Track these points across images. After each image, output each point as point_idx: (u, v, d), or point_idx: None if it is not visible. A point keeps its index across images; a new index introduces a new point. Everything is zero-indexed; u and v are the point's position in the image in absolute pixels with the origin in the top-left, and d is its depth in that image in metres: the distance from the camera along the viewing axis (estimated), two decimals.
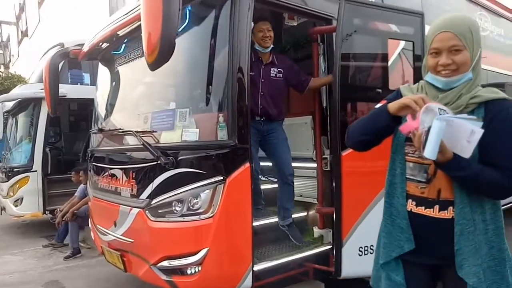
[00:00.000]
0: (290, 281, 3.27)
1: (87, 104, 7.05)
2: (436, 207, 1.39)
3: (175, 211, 2.62)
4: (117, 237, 3.09)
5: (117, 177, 3.15)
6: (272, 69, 3.29)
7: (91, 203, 3.81)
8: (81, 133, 8.02)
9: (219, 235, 2.52)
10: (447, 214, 1.38)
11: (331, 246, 3.13)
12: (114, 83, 3.67)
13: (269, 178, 3.89)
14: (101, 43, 3.50)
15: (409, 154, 1.47)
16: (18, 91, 7.02)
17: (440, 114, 1.23)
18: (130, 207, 2.92)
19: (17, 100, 6.80)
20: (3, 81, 12.14)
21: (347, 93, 3.04)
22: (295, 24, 3.87)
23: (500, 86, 5.64)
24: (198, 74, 2.75)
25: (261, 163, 3.45)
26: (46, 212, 6.55)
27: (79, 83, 7.29)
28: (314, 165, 3.36)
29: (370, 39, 3.29)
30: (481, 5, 5.36)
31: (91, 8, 8.86)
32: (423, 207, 1.42)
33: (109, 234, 3.24)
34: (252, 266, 2.64)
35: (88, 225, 4.48)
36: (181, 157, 2.60)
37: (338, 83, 2.93)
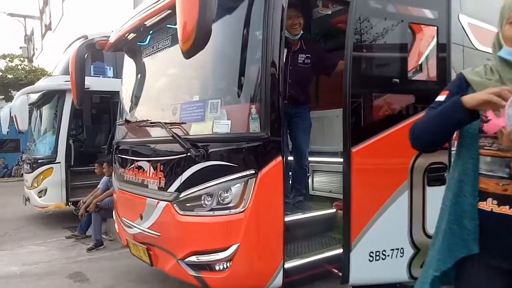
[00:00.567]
0: (319, 277, 3.16)
1: (110, 97, 7.14)
2: None
3: (204, 205, 2.55)
4: (143, 230, 3.04)
5: (144, 170, 3.10)
6: (300, 55, 3.29)
7: (116, 196, 3.78)
8: (103, 126, 8.10)
9: (250, 231, 2.43)
10: None
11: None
12: (141, 74, 3.62)
13: None
14: (128, 34, 3.44)
15: (486, 147, 1.30)
16: (43, 83, 7.09)
17: None
18: (157, 200, 2.86)
19: (41, 92, 6.87)
20: (27, 74, 12.33)
21: (360, 84, 2.73)
22: (329, 13, 3.73)
23: None
24: (230, 64, 2.66)
25: None
26: (69, 203, 6.62)
27: (101, 76, 7.31)
28: None
29: (387, 24, 2.89)
30: None
31: (115, 1, 8.88)
32: (507, 206, 1.26)
33: (135, 227, 3.20)
34: (283, 263, 2.55)
35: (111, 217, 4.48)
36: (211, 150, 2.52)
37: (349, 73, 2.63)
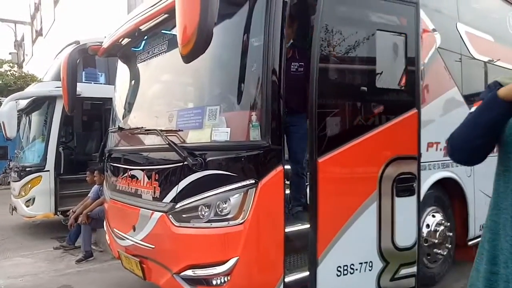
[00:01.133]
0: None
1: (101, 104, 7.01)
2: None
3: (201, 216, 2.45)
4: (136, 243, 2.92)
5: (138, 179, 2.98)
6: (292, 63, 3.23)
7: (108, 206, 3.64)
8: (94, 133, 7.94)
9: (250, 244, 2.33)
10: None
11: None
12: (135, 80, 3.52)
13: None
14: (122, 39, 3.35)
15: None
16: (33, 89, 6.92)
17: None
18: (151, 211, 2.75)
19: (31, 99, 6.70)
20: (16, 80, 12.15)
21: (326, 93, 2.59)
22: None
23: None
24: (229, 70, 2.58)
25: None
26: (58, 213, 6.42)
27: (93, 82, 7.18)
28: None
29: (355, 31, 2.77)
30: None
31: (108, 6, 8.79)
32: None
33: (127, 238, 3.07)
34: (284, 277, 2.45)
35: (102, 227, 4.33)
36: (210, 158, 2.43)
37: (315, 82, 2.50)
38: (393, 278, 2.80)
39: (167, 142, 2.56)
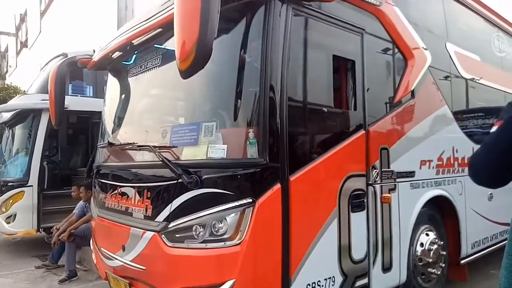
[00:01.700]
0: None
1: (87, 117, 6.86)
2: None
3: (196, 236, 2.36)
4: (126, 263, 2.80)
5: (128, 196, 2.88)
6: None
7: (95, 223, 3.51)
8: (79, 147, 7.76)
9: (247, 265, 2.25)
10: None
11: None
12: (126, 95, 3.44)
13: None
14: (114, 52, 3.28)
15: None
16: (17, 102, 6.75)
17: None
18: (143, 230, 2.65)
19: (15, 111, 6.52)
20: None
21: (293, 113, 2.50)
22: None
23: None
24: (226, 85, 2.53)
25: None
26: (40, 229, 6.18)
27: (79, 95, 7.06)
28: None
29: (314, 53, 2.77)
30: (498, 26, 5.28)
31: (97, 19, 8.72)
32: None
33: (116, 259, 2.95)
34: None
35: (87, 245, 4.17)
36: (205, 176, 2.35)
37: (284, 100, 2.39)
38: None
39: (160, 159, 2.48)
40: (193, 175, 2.34)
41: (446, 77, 4.09)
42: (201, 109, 2.73)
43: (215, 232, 2.31)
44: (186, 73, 1.95)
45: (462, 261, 3.93)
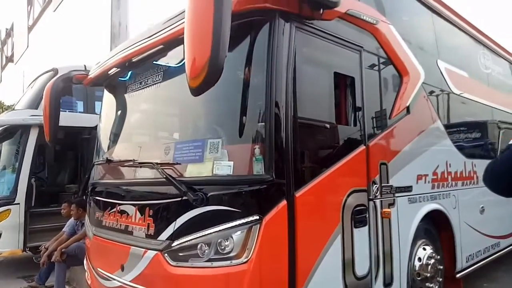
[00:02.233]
0: None
1: (77, 133, 6.74)
2: None
3: (201, 255, 2.31)
4: (125, 284, 2.73)
5: (128, 214, 2.82)
6: None
7: (91, 243, 3.41)
8: (68, 163, 7.60)
9: (254, 284, 2.21)
10: None
11: None
12: (125, 111, 3.40)
13: None
14: (114, 69, 3.26)
15: None
16: (5, 118, 6.59)
17: None
18: (144, 249, 2.59)
19: (3, 127, 6.36)
20: None
21: (299, 128, 2.49)
22: None
23: None
24: (232, 101, 2.52)
25: None
26: (26, 249, 5.97)
27: (68, 110, 6.94)
28: None
29: (316, 70, 2.83)
30: (484, 44, 5.48)
31: (87, 35, 8.67)
32: None
33: (114, 279, 2.87)
34: None
35: (79, 265, 4.05)
36: (211, 193, 2.32)
37: (290, 114, 2.41)
38: None
39: (164, 176, 2.45)
40: (199, 193, 2.31)
41: (439, 93, 4.20)
42: (206, 125, 2.71)
43: (221, 250, 2.27)
44: (197, 91, 1.95)
45: (458, 275, 3.96)
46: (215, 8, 1.88)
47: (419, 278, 3.52)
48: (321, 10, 2.55)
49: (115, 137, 3.43)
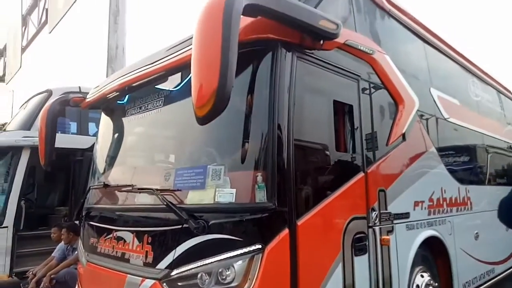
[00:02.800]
0: None
1: (68, 154, 6.64)
2: None
3: (201, 285, 2.26)
4: None
5: (125, 241, 2.76)
6: None
7: (84, 270, 3.32)
8: (57, 185, 7.45)
9: None
10: None
11: None
12: (124, 135, 3.38)
13: None
14: (114, 93, 3.26)
15: None
16: None
17: None
18: (142, 278, 2.52)
19: None
20: None
21: (299, 156, 2.51)
22: None
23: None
24: (234, 128, 2.52)
25: None
26: (13, 274, 5.77)
27: (59, 131, 6.86)
28: None
29: (316, 98, 2.84)
30: (473, 73, 5.65)
31: (82, 57, 8.70)
32: None
33: None
34: None
35: None
36: (213, 221, 2.30)
37: (291, 144, 2.41)
38: None
39: (165, 203, 2.42)
40: (200, 220, 2.29)
41: (432, 120, 4.28)
42: (207, 152, 2.71)
43: (222, 280, 2.23)
44: (204, 120, 1.95)
45: None
46: (223, 37, 1.91)
47: None
48: (322, 41, 2.61)
49: (112, 161, 3.40)
